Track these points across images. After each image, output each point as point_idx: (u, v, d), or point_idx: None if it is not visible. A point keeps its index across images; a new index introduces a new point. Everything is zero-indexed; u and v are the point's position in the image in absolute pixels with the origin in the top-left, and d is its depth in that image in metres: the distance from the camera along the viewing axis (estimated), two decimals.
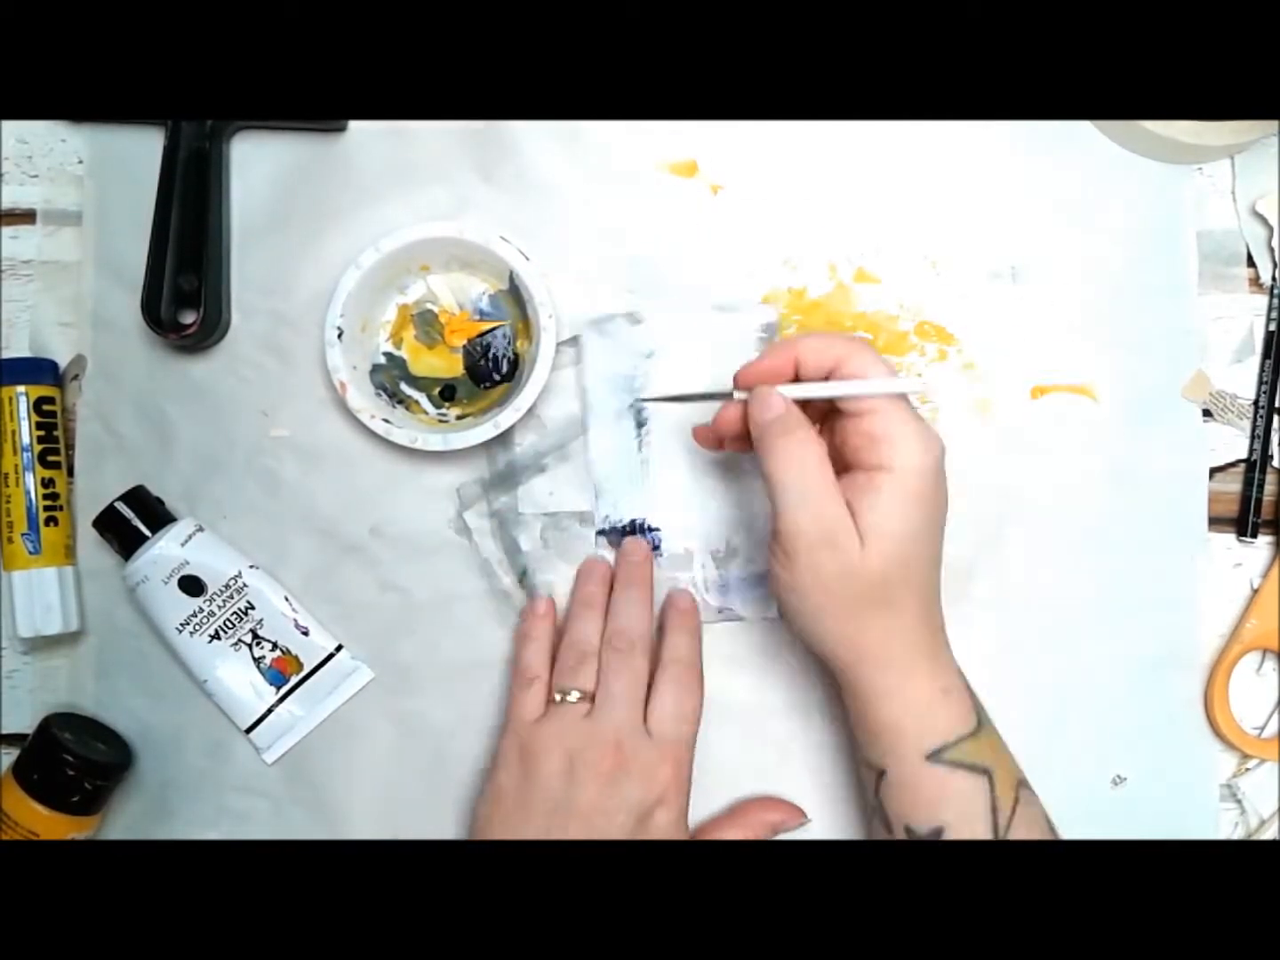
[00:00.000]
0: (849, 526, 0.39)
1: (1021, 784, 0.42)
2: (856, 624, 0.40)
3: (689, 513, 0.51)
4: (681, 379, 0.50)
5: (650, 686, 0.46)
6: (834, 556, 0.39)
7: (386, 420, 0.49)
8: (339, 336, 0.49)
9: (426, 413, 0.52)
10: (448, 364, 0.52)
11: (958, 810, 0.40)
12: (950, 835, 0.40)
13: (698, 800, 0.47)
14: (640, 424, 0.51)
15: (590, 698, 0.46)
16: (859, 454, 0.41)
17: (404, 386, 0.52)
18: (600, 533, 0.51)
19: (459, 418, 0.51)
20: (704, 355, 0.50)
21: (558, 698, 0.46)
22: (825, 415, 0.44)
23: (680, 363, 0.51)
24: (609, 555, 0.51)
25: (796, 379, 0.42)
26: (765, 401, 0.41)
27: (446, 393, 0.52)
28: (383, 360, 0.51)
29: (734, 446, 0.46)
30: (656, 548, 0.50)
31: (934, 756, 0.40)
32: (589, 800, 0.43)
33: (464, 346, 0.52)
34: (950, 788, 0.40)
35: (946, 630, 0.43)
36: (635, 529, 0.50)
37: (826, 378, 0.42)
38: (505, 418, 0.48)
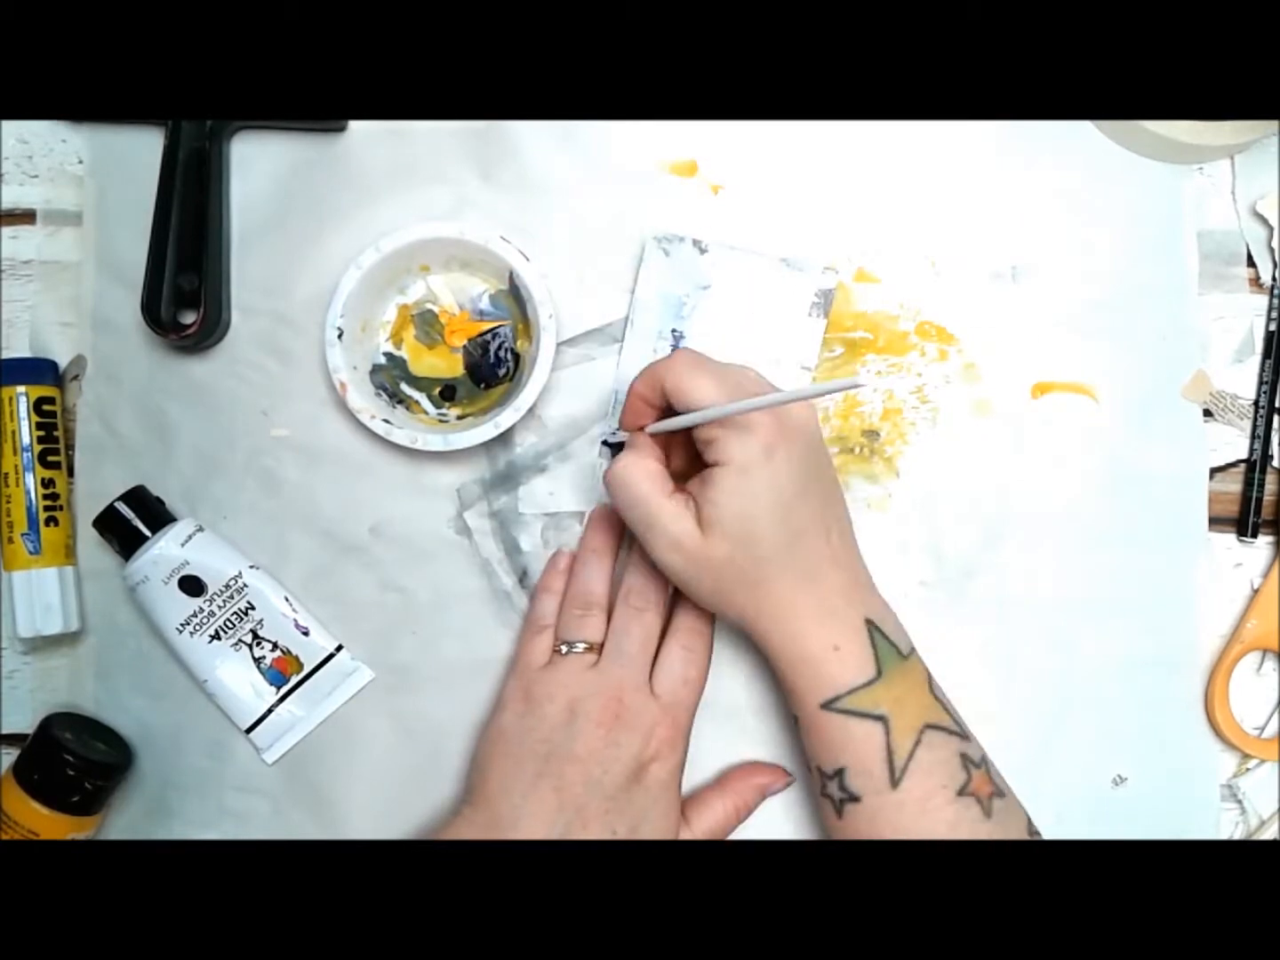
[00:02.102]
0: (686, 527, 0.42)
1: (929, 727, 0.43)
2: (734, 603, 0.43)
3: None
4: (725, 320, 0.50)
5: (660, 648, 0.47)
6: (683, 557, 0.43)
7: (387, 420, 0.49)
8: (339, 337, 0.49)
9: (427, 413, 0.52)
10: (448, 364, 0.52)
11: (854, 753, 0.42)
12: (850, 776, 0.43)
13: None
14: (676, 349, 0.51)
15: (595, 649, 0.47)
16: (706, 456, 0.43)
17: (404, 387, 0.52)
18: (605, 443, 0.51)
19: (459, 418, 0.51)
20: (756, 304, 0.51)
21: (563, 649, 0.47)
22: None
23: (729, 304, 0.51)
24: (606, 465, 0.50)
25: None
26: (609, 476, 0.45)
27: (447, 393, 0.52)
28: (383, 360, 0.51)
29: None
30: None
31: (827, 705, 0.43)
32: (586, 747, 0.44)
33: (464, 346, 0.52)
34: (846, 732, 0.43)
35: (857, 583, 0.44)
36: None
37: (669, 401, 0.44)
38: (506, 418, 0.48)
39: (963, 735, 0.44)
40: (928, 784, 0.42)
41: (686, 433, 0.45)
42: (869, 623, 0.43)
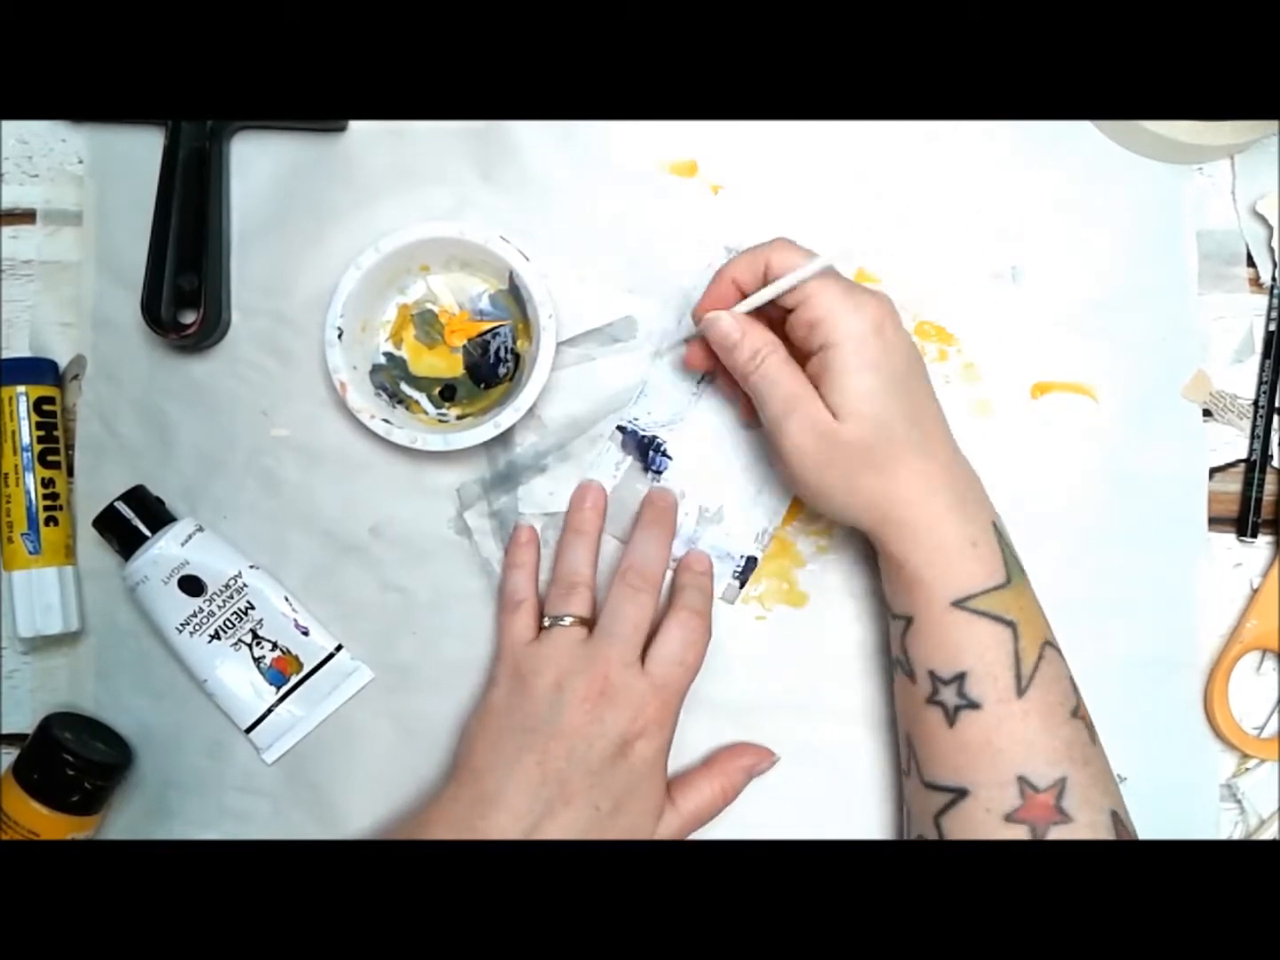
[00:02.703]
0: (820, 409, 0.42)
1: (1048, 644, 0.43)
2: (864, 491, 0.42)
3: (704, 461, 0.51)
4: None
5: (658, 628, 0.47)
6: (817, 439, 0.42)
7: (386, 420, 0.49)
8: (339, 337, 0.49)
9: (427, 413, 0.52)
10: (448, 364, 0.52)
11: (980, 656, 0.41)
12: (972, 681, 0.41)
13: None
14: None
15: (584, 622, 0.47)
16: (808, 342, 0.43)
17: (404, 387, 0.52)
18: (620, 428, 0.51)
19: (459, 418, 0.51)
20: None
21: (549, 624, 0.47)
22: (783, 317, 0.45)
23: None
24: (616, 451, 0.51)
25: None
26: (716, 327, 0.45)
27: (447, 393, 0.52)
28: (383, 360, 0.51)
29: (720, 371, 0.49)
30: (660, 472, 0.51)
31: (959, 604, 0.42)
32: (572, 722, 0.44)
33: (464, 346, 0.52)
34: (974, 635, 0.41)
35: (978, 483, 0.44)
36: (651, 445, 0.51)
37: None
38: (506, 417, 0.48)
39: (1066, 661, 0.43)
40: (1049, 698, 0.41)
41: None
42: (994, 525, 0.43)
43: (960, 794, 0.42)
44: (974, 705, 0.41)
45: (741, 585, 0.51)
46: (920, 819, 0.44)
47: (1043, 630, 0.43)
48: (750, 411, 0.48)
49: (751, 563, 0.51)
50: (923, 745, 0.43)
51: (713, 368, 0.49)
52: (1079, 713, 0.42)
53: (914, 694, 0.43)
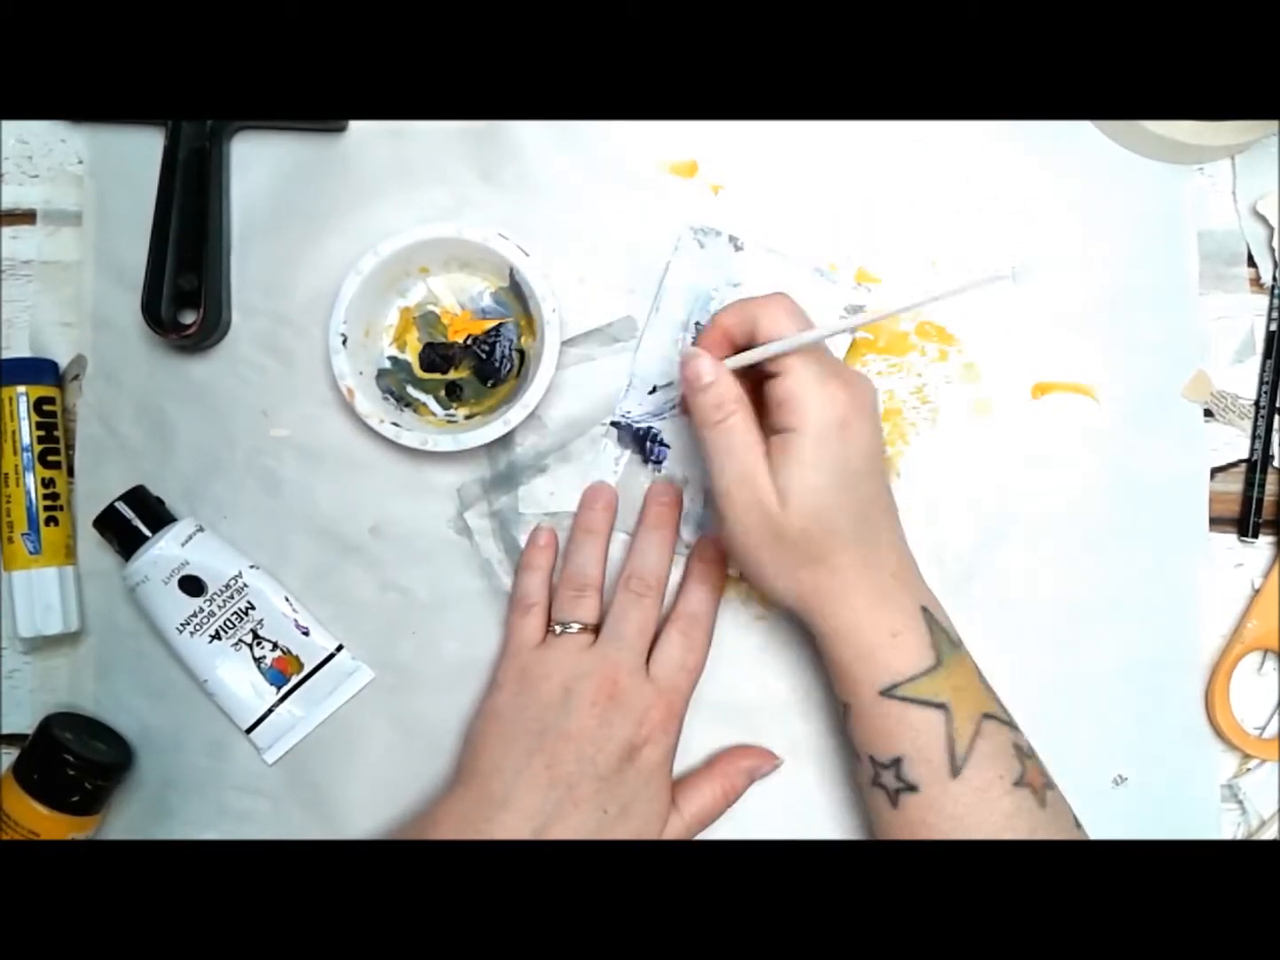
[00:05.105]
0: (769, 491, 0.41)
1: (987, 716, 0.43)
2: (796, 578, 0.43)
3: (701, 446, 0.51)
4: None
5: (659, 633, 0.47)
6: (761, 519, 0.42)
7: (395, 424, 0.49)
8: (343, 343, 0.49)
9: (434, 414, 0.52)
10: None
11: (913, 742, 0.42)
12: (907, 765, 0.42)
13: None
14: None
15: (590, 629, 0.47)
16: (776, 416, 0.42)
17: (410, 389, 0.52)
18: (614, 424, 0.51)
19: (467, 418, 0.51)
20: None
21: (557, 629, 0.47)
22: (763, 379, 0.44)
23: None
24: (614, 447, 0.51)
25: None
26: (691, 364, 0.43)
27: (453, 392, 0.52)
28: (388, 365, 0.51)
29: None
30: (660, 462, 0.51)
31: (886, 693, 0.42)
32: (579, 726, 0.44)
33: (467, 345, 0.52)
34: (905, 721, 0.42)
35: (911, 570, 0.44)
36: (647, 436, 0.51)
37: (748, 344, 0.44)
38: (514, 414, 0.48)
39: (1013, 726, 0.44)
40: (987, 774, 0.42)
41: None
42: (924, 610, 0.43)
43: None
44: (912, 788, 0.42)
45: None
46: None
47: (980, 704, 0.43)
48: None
49: None
50: (875, 823, 0.44)
51: None
52: (1024, 781, 0.42)
53: (861, 775, 0.44)
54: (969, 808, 0.41)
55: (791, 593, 0.43)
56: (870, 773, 0.43)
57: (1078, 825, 0.43)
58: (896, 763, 0.42)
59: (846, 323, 0.44)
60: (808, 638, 0.50)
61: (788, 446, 0.41)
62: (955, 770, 0.41)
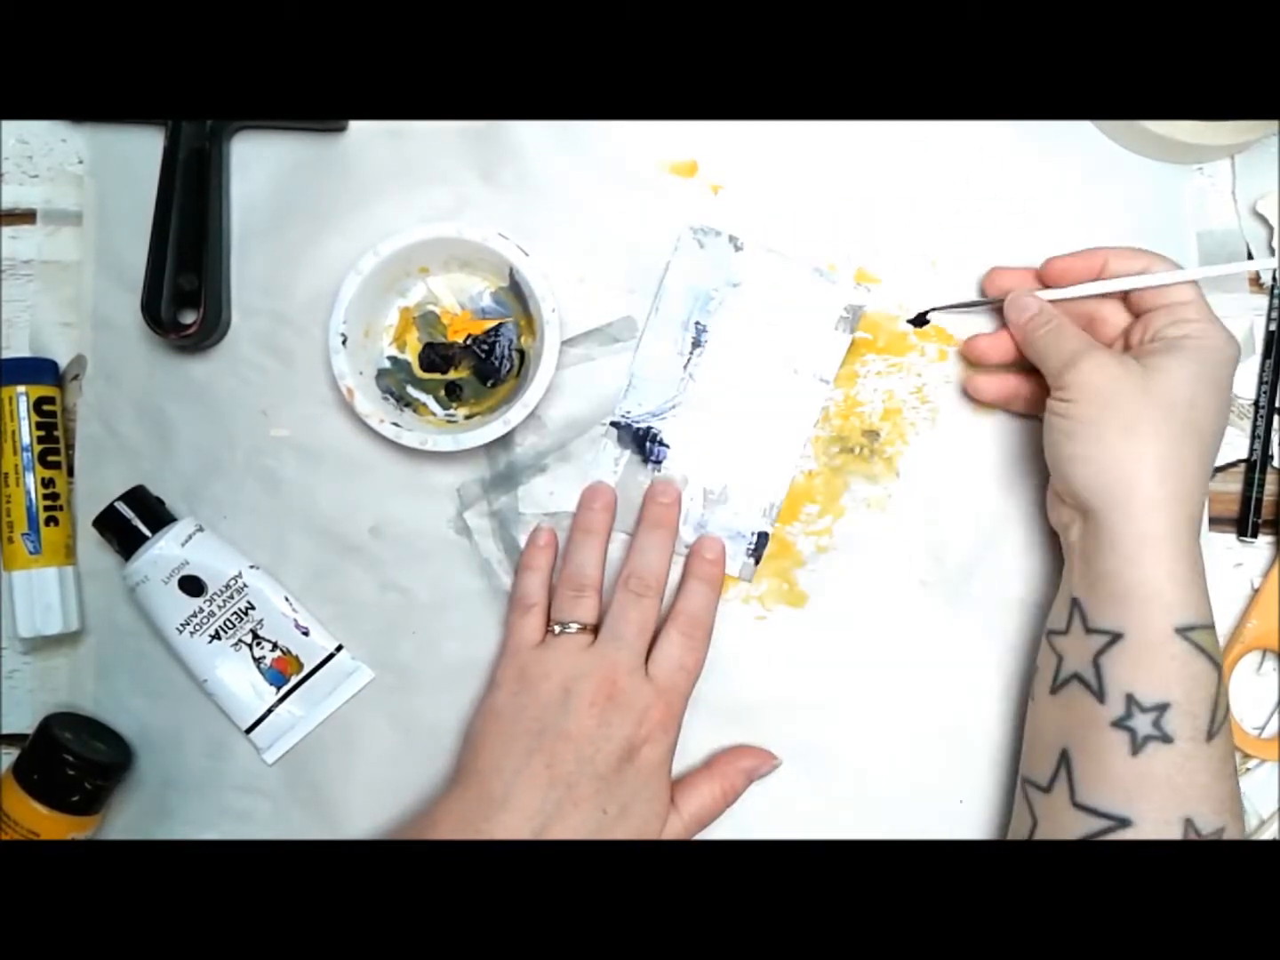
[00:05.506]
0: (1124, 359, 0.42)
1: (1227, 695, 0.42)
2: (1137, 440, 0.41)
3: (702, 444, 0.51)
4: (751, 320, 0.50)
5: (658, 633, 0.47)
6: (1111, 378, 0.42)
7: (396, 424, 0.49)
8: (343, 343, 0.49)
9: (434, 414, 0.52)
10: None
11: (1187, 692, 0.40)
12: (1172, 714, 0.40)
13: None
14: (697, 344, 0.51)
15: (590, 629, 0.47)
16: (1163, 331, 0.44)
17: (410, 389, 0.52)
18: (614, 424, 0.51)
19: (467, 417, 0.51)
20: (784, 310, 0.51)
21: (556, 629, 0.47)
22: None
23: (757, 305, 0.51)
24: (613, 446, 0.51)
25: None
26: (1018, 304, 0.47)
27: (453, 392, 0.52)
28: (387, 365, 0.51)
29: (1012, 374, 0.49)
30: (659, 462, 0.51)
31: (1183, 632, 0.40)
32: (579, 726, 0.44)
33: (468, 345, 0.52)
34: (1188, 668, 0.40)
35: None
36: (647, 436, 0.51)
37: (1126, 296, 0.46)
38: (515, 414, 0.48)
39: None
40: (1228, 748, 0.41)
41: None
42: None
43: (1121, 823, 0.40)
44: (1166, 739, 0.40)
45: (757, 561, 0.51)
46: (1058, 837, 0.42)
47: (1221, 679, 0.42)
48: (1028, 400, 0.49)
49: (763, 538, 0.51)
50: (1089, 766, 0.41)
51: (1002, 399, 0.49)
52: (1240, 767, 0.42)
53: (1095, 714, 0.41)
54: (1212, 776, 0.40)
55: (1126, 462, 0.41)
56: (1120, 712, 0.40)
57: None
58: (1161, 709, 0.40)
59: (1230, 267, 0.46)
60: (809, 638, 0.50)
61: (1183, 347, 0.42)
62: (1211, 734, 0.40)
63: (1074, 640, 0.43)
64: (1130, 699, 0.40)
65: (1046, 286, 0.48)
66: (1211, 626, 0.41)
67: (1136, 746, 0.40)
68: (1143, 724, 0.40)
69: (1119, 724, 0.40)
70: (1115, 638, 0.41)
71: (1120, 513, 0.41)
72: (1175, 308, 0.44)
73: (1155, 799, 0.39)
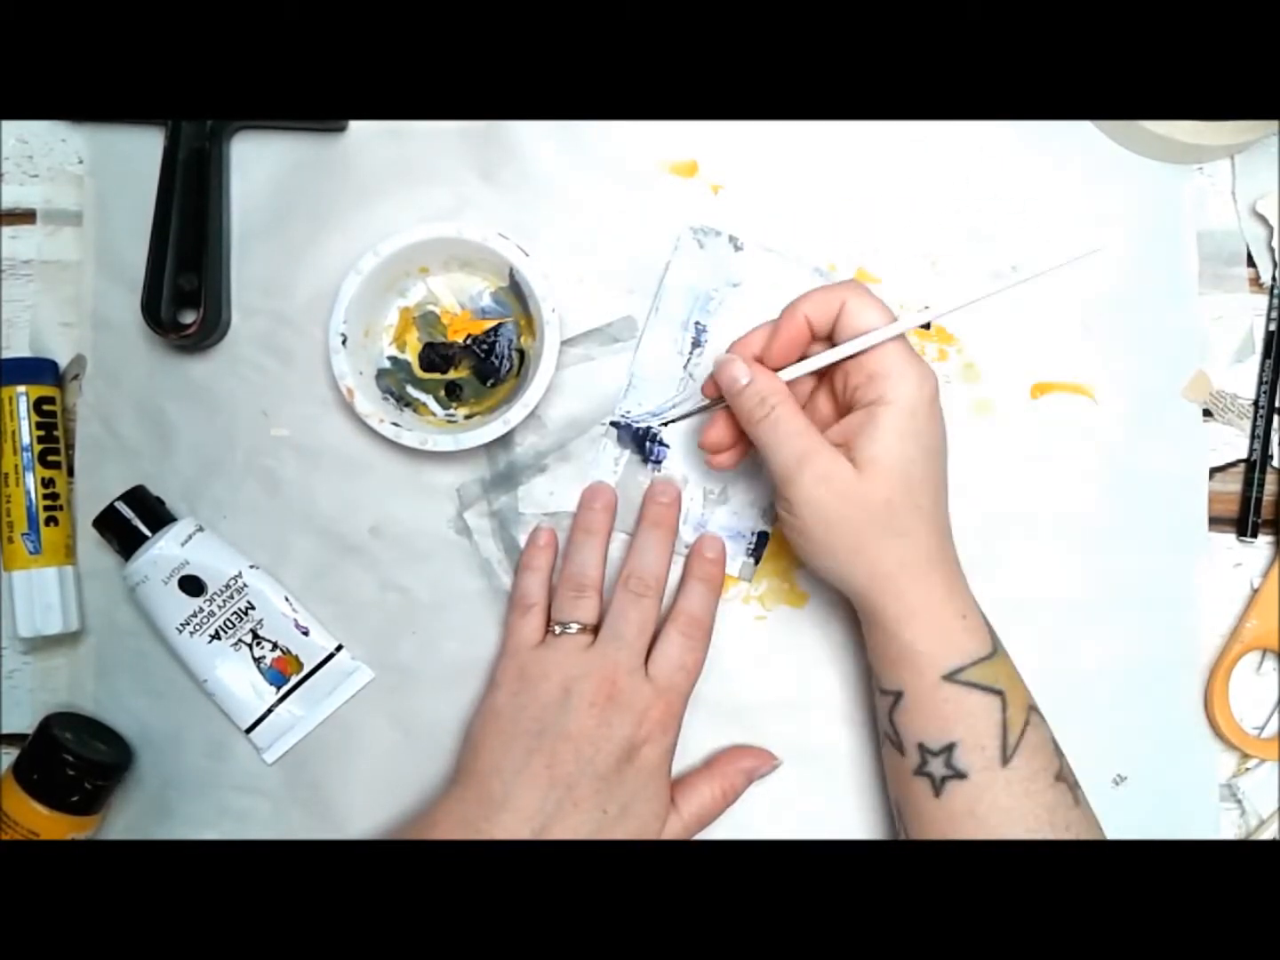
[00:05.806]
0: (840, 463, 0.41)
1: (1032, 709, 0.43)
2: (868, 552, 0.42)
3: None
4: (751, 320, 0.49)
5: (658, 633, 0.47)
6: (834, 492, 0.41)
7: (396, 424, 0.49)
8: (343, 343, 0.49)
9: (434, 414, 0.52)
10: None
11: (970, 727, 0.42)
12: (961, 751, 0.41)
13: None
14: (697, 344, 0.51)
15: (590, 629, 0.47)
16: (858, 392, 0.43)
17: (410, 389, 0.52)
18: (614, 424, 0.51)
19: (467, 417, 0.51)
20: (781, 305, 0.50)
21: (556, 630, 0.47)
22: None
23: (757, 305, 0.50)
24: (613, 446, 0.51)
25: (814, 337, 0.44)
26: (726, 370, 0.44)
27: (453, 391, 0.52)
28: (387, 364, 0.51)
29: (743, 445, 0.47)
30: (659, 462, 0.51)
31: (950, 676, 0.42)
32: (579, 726, 0.44)
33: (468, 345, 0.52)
34: (964, 706, 0.42)
35: (960, 565, 0.44)
36: (647, 436, 0.51)
37: (831, 332, 0.44)
38: (514, 414, 0.48)
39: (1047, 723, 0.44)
40: (1033, 764, 0.42)
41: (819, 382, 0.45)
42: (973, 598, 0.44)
43: None
44: (960, 775, 0.41)
45: (757, 561, 0.51)
46: None
47: (1027, 696, 0.43)
48: (729, 438, 0.46)
49: (763, 537, 0.51)
50: (911, 814, 0.44)
51: (733, 446, 0.47)
52: (1061, 775, 0.42)
53: (902, 766, 0.43)
54: (1014, 798, 0.41)
55: (864, 571, 0.42)
56: (916, 761, 0.43)
57: (1100, 830, 0.43)
58: (949, 749, 0.42)
59: (928, 314, 0.44)
60: (809, 638, 0.50)
61: (877, 418, 0.41)
62: (1006, 759, 0.41)
63: (878, 700, 0.45)
64: (921, 747, 0.42)
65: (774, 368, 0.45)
66: (987, 656, 0.42)
67: (937, 788, 0.42)
68: (937, 767, 0.42)
69: (919, 772, 0.42)
70: (898, 696, 0.43)
71: (874, 600, 0.43)
72: (871, 356, 0.42)
73: (965, 833, 0.41)
